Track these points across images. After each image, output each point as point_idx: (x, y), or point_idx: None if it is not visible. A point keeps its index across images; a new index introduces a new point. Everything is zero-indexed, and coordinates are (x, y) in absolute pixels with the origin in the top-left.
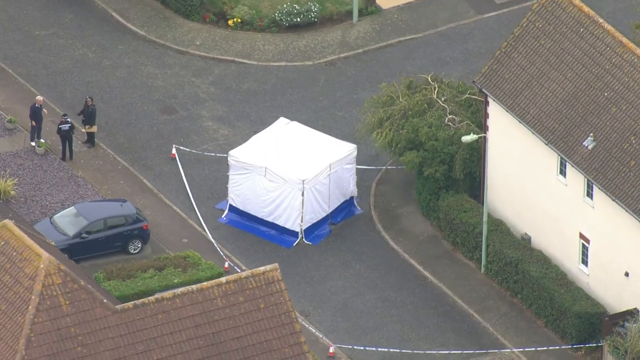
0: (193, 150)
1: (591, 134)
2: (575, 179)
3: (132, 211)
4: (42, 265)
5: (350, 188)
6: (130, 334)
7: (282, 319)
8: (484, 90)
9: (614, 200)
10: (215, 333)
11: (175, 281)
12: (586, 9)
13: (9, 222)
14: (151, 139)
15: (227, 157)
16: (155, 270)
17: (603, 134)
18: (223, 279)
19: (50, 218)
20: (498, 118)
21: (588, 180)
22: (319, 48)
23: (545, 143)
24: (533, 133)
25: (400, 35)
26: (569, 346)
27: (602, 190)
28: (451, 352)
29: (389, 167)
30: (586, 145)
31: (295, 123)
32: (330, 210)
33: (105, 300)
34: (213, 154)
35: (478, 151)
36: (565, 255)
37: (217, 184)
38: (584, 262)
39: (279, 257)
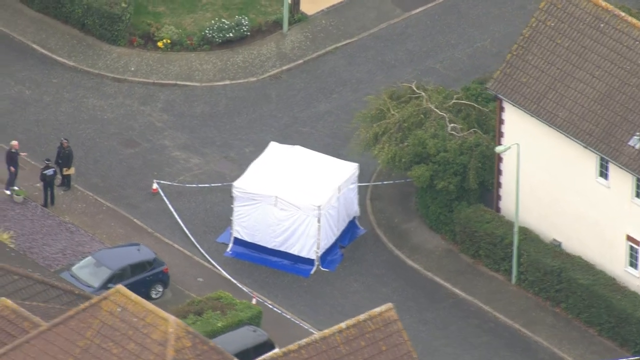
0: (174, 183)
1: (638, 133)
2: (621, 180)
3: (151, 255)
4: (171, 330)
5: (355, 208)
6: None
7: None
8: (499, 96)
9: None
10: None
11: (219, 325)
12: (603, 3)
13: (122, 287)
14: (125, 176)
15: (210, 186)
16: (195, 316)
17: None
18: (343, 324)
19: (69, 270)
20: (516, 123)
21: (638, 180)
22: (258, 62)
23: (583, 146)
24: (567, 137)
25: (335, 41)
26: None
27: None
28: None
29: (382, 182)
30: (632, 144)
31: (297, 147)
32: (339, 234)
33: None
34: (195, 185)
35: (490, 159)
36: (608, 259)
37: (209, 216)
38: (633, 264)
39: (300, 287)
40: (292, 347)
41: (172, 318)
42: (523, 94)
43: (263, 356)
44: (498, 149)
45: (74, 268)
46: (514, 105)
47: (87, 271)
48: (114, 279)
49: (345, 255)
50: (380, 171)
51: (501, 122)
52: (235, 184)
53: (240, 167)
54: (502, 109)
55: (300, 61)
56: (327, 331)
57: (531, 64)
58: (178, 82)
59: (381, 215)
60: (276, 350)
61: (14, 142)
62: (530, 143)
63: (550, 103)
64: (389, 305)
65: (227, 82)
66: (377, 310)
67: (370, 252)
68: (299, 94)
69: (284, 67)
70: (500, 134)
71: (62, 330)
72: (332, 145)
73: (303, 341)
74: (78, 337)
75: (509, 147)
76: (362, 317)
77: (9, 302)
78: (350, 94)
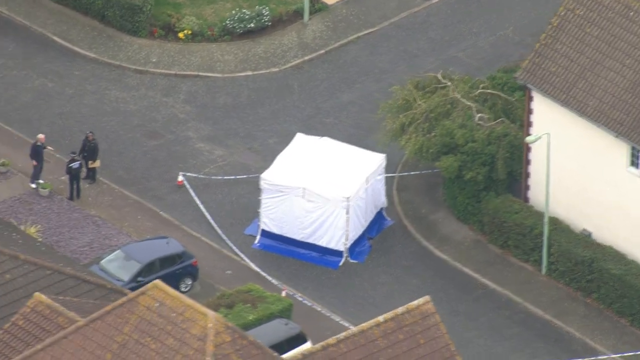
0: (200, 175)
1: None
2: None
3: (180, 248)
4: (210, 324)
5: (382, 199)
6: None
7: (443, 353)
8: (528, 85)
9: None
10: None
11: (250, 318)
12: None
13: (159, 282)
14: (149, 168)
15: (237, 178)
16: (226, 309)
17: None
18: (381, 318)
19: (98, 263)
20: (545, 113)
21: None
22: (279, 53)
23: (614, 136)
24: (598, 126)
25: (357, 31)
26: None
27: None
28: None
29: (409, 173)
30: None
31: (325, 138)
32: (367, 225)
33: (275, 354)
34: (220, 177)
35: (519, 149)
36: None
37: (235, 208)
38: None
39: (329, 279)
40: (330, 341)
41: (211, 313)
42: (552, 83)
43: (302, 351)
44: (528, 139)
45: (102, 262)
46: (543, 95)
47: (116, 265)
48: (143, 272)
49: (373, 246)
50: (406, 162)
51: (530, 111)
52: (263, 175)
53: (265, 158)
54: (530, 99)
55: (322, 51)
56: (365, 325)
57: (560, 53)
58: (200, 73)
59: (408, 206)
60: (308, 343)
61: (41, 136)
62: (559, 132)
63: (580, 92)
64: (427, 298)
65: (249, 72)
66: (415, 303)
67: (398, 243)
68: (322, 84)
69: (306, 58)
70: (529, 124)
71: (99, 325)
72: (356, 135)
73: (341, 335)
74: (116, 333)
75: (540, 137)
76: (399, 310)
77: (43, 297)
78: (373, 84)
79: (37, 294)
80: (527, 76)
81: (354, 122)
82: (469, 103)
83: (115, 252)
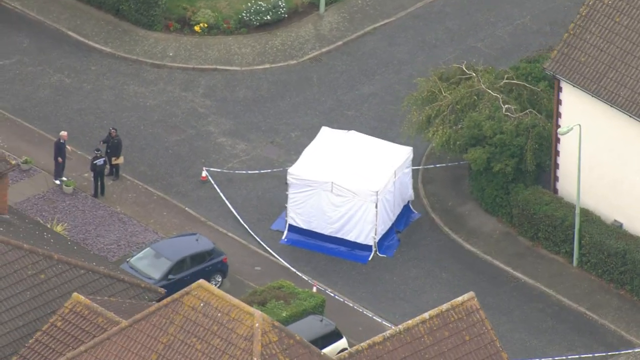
0: (224, 170)
1: None
2: None
3: (210, 245)
4: (257, 324)
5: (409, 192)
6: None
7: (489, 349)
8: (557, 76)
9: None
10: None
11: (284, 315)
12: None
13: (204, 282)
14: (172, 164)
15: (256, 172)
16: (258, 306)
17: None
18: (426, 315)
19: (128, 262)
20: (574, 104)
21: None
22: (297, 45)
23: None
24: (630, 116)
25: (373, 22)
26: None
27: None
28: (581, 356)
29: (435, 165)
30: None
31: (352, 132)
32: (395, 219)
33: (322, 353)
34: (244, 172)
35: (547, 140)
36: None
37: (261, 203)
38: None
39: (359, 274)
40: (376, 339)
41: (257, 312)
42: (582, 73)
43: (348, 350)
44: (561, 130)
45: (132, 260)
46: (573, 86)
47: (146, 262)
48: (173, 270)
49: (401, 240)
50: (430, 154)
51: (559, 102)
52: (291, 170)
53: (288, 152)
54: (559, 89)
55: (340, 42)
56: (410, 322)
57: (589, 43)
58: (218, 67)
59: (434, 198)
60: (343, 339)
61: (63, 133)
62: (589, 123)
63: (611, 82)
64: (471, 294)
65: (267, 65)
66: (459, 299)
67: (426, 236)
68: (341, 76)
69: (324, 50)
70: (558, 114)
71: (143, 326)
72: (379, 128)
73: (387, 333)
74: (160, 333)
75: (572, 129)
76: (444, 306)
77: (81, 297)
78: (393, 76)
79: (75, 294)
80: (556, 67)
81: (375, 115)
82: (495, 94)
83: (144, 250)
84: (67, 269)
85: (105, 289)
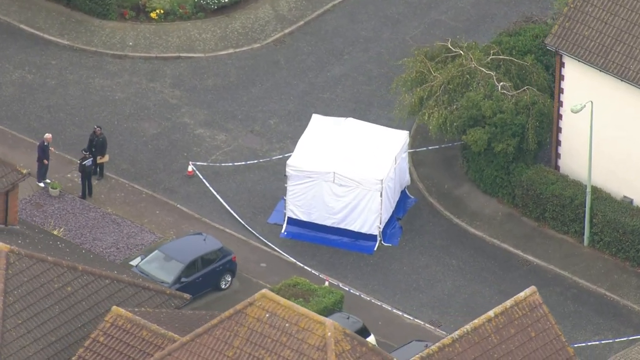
0: (209, 164)
1: None
2: None
3: (218, 244)
4: (329, 333)
5: (406, 178)
6: None
7: (555, 344)
8: (560, 51)
9: None
10: None
11: None
12: None
13: (268, 292)
14: (154, 159)
15: (251, 162)
16: None
17: None
18: (491, 313)
19: (137, 266)
20: (578, 79)
21: None
22: (258, 27)
23: None
24: None
25: None
26: None
27: None
28: (613, 340)
29: (427, 148)
30: None
31: (349, 119)
32: (395, 206)
33: (395, 359)
34: (231, 164)
35: (548, 117)
36: None
37: (253, 196)
38: None
39: (367, 265)
40: (445, 341)
41: (328, 321)
42: (587, 48)
43: (418, 354)
44: (574, 108)
45: (141, 263)
46: (578, 61)
47: (155, 266)
48: (185, 272)
49: (403, 227)
50: (415, 135)
51: (561, 78)
52: (289, 162)
53: (270, 141)
54: (562, 65)
55: (301, 22)
56: (476, 321)
57: (592, 16)
58: (181, 55)
59: (429, 182)
60: (372, 337)
61: (48, 135)
62: (594, 99)
63: (619, 56)
64: (533, 288)
65: (232, 50)
66: (522, 294)
67: (428, 222)
68: (308, 58)
69: (286, 31)
70: (560, 90)
71: (206, 340)
72: (358, 110)
73: (455, 334)
74: (225, 347)
75: (584, 106)
76: (507, 303)
77: (121, 310)
78: (362, 54)
79: (114, 307)
80: (558, 41)
81: (351, 96)
82: (489, 72)
83: (153, 253)
84: (92, 280)
85: (132, 298)
